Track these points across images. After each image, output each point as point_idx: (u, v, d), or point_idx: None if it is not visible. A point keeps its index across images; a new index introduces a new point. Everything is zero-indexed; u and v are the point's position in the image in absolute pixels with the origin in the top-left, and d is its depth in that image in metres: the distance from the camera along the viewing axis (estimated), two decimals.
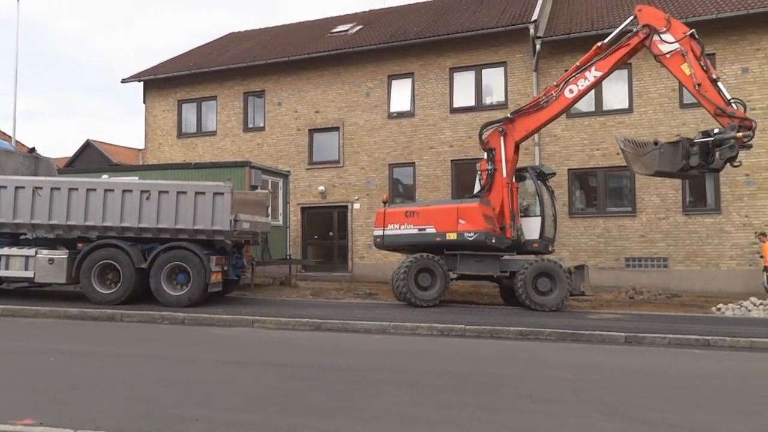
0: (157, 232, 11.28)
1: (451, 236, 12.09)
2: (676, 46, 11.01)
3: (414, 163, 18.78)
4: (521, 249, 12.74)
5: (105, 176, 15.28)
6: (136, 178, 14.27)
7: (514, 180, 12.86)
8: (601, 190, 17.18)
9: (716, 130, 10.70)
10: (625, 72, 16.83)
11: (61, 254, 11.42)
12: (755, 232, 14.74)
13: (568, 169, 17.19)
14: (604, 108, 17.10)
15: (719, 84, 10.77)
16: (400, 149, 18.89)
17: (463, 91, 18.51)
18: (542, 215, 12.67)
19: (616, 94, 17.05)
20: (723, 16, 15.59)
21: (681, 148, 10.92)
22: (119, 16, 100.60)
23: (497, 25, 17.79)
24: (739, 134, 10.33)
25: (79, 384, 5.75)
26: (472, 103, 18.38)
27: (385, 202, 13.35)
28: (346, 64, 19.69)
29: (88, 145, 34.41)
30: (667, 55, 11.14)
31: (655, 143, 11.16)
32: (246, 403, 5.19)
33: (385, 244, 12.97)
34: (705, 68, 10.84)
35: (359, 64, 19.53)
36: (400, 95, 19.17)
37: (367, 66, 19.43)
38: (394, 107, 19.17)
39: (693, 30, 11.08)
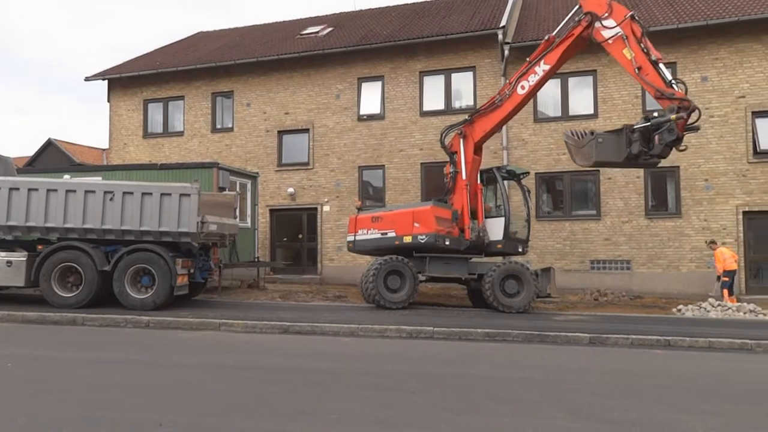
0: (121, 234, 11.05)
1: (407, 239, 12.25)
2: (617, 30, 10.81)
3: (384, 165, 18.82)
4: (486, 250, 12.81)
5: (67, 176, 14.87)
6: (100, 178, 13.95)
7: (479, 181, 12.93)
8: (567, 194, 17.50)
9: (655, 114, 10.38)
10: (590, 78, 17.22)
11: (19, 256, 11.09)
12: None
13: (536, 173, 17.44)
14: (570, 113, 17.43)
15: (660, 65, 10.48)
16: (370, 152, 18.91)
17: (433, 95, 18.63)
18: (506, 216, 12.73)
19: (581, 100, 17.41)
20: (683, 26, 16.07)
21: (624, 136, 10.57)
22: (82, 12, 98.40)
23: (466, 30, 17.98)
24: (673, 116, 9.89)
25: (39, 390, 5.59)
26: (441, 106, 18.51)
27: (358, 209, 13.38)
28: (316, 66, 19.62)
29: (49, 144, 33.50)
30: (609, 41, 10.95)
31: (592, 133, 10.90)
32: (212, 408, 5.12)
33: (356, 248, 13.06)
34: (646, 50, 10.57)
35: (329, 66, 19.49)
36: (370, 98, 19.19)
37: (337, 68, 19.41)
38: (364, 110, 19.19)
39: (633, 12, 10.99)
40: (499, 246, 12.69)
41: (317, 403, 5.35)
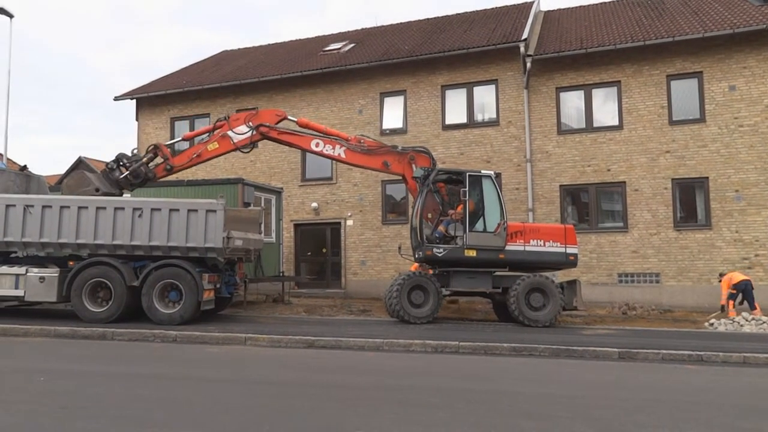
0: (150, 250, 11.24)
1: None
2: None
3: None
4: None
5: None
6: (128, 195, 14.22)
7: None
8: (593, 206, 17.28)
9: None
10: (614, 89, 17.06)
11: (51, 272, 11.34)
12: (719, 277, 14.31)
13: (560, 185, 17.30)
14: (595, 125, 17.27)
15: None
16: None
17: (456, 108, 18.65)
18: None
19: (606, 111, 17.24)
20: (710, 35, 15.86)
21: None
22: (110, 33, 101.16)
23: (488, 44, 18.00)
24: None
25: (69, 404, 5.68)
26: (464, 120, 18.52)
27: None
28: (338, 82, 19.81)
29: (80, 162, 34.16)
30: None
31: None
32: (237, 423, 5.14)
33: None
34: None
35: (352, 82, 19.66)
36: (393, 112, 19.29)
37: (359, 84, 19.57)
38: (387, 124, 19.28)
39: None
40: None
41: (342, 419, 5.33)
